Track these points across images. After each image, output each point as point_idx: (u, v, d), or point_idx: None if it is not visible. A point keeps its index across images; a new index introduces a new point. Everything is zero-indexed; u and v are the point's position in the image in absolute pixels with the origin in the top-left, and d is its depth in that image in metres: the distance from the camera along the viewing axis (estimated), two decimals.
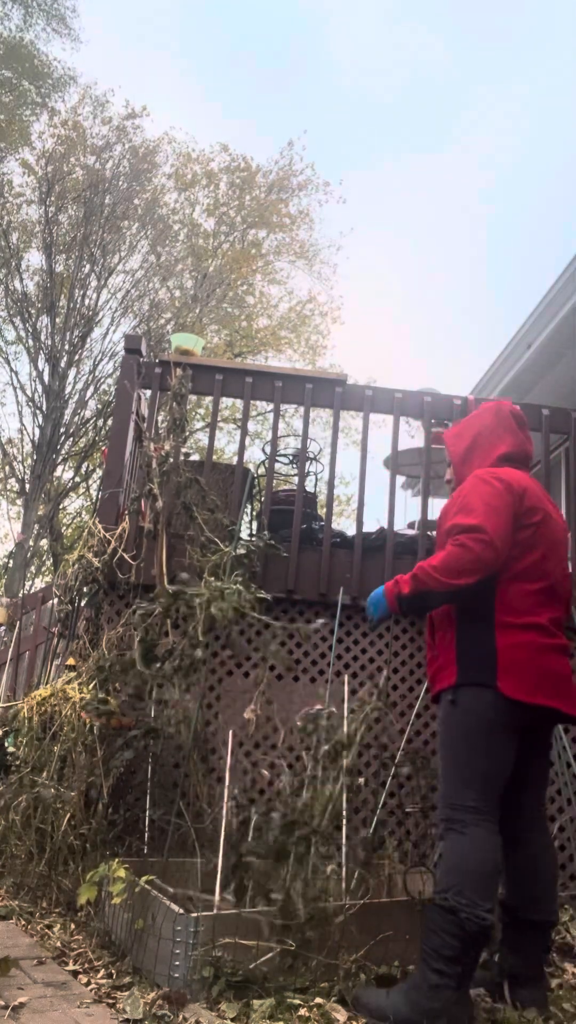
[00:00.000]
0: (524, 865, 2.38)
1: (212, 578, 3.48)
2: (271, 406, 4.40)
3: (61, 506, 17.16)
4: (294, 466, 5.50)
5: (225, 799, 2.83)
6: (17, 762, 3.43)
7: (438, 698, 2.43)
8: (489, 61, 41.16)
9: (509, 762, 2.29)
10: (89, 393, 15.85)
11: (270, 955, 2.29)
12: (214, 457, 4.39)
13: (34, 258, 16.16)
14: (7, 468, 16.58)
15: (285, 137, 29.48)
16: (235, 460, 4.92)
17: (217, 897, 2.54)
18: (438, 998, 2.06)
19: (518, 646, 2.29)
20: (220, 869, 2.62)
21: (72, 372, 15.58)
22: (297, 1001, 2.17)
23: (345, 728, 2.97)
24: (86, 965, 2.45)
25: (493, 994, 2.35)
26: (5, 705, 4.51)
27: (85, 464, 16.74)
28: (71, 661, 3.71)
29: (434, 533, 4.61)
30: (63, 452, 15.89)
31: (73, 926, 2.75)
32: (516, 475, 2.47)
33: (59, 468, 16.54)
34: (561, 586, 2.46)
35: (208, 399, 7.25)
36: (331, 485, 4.25)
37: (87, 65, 31.66)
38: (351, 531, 4.26)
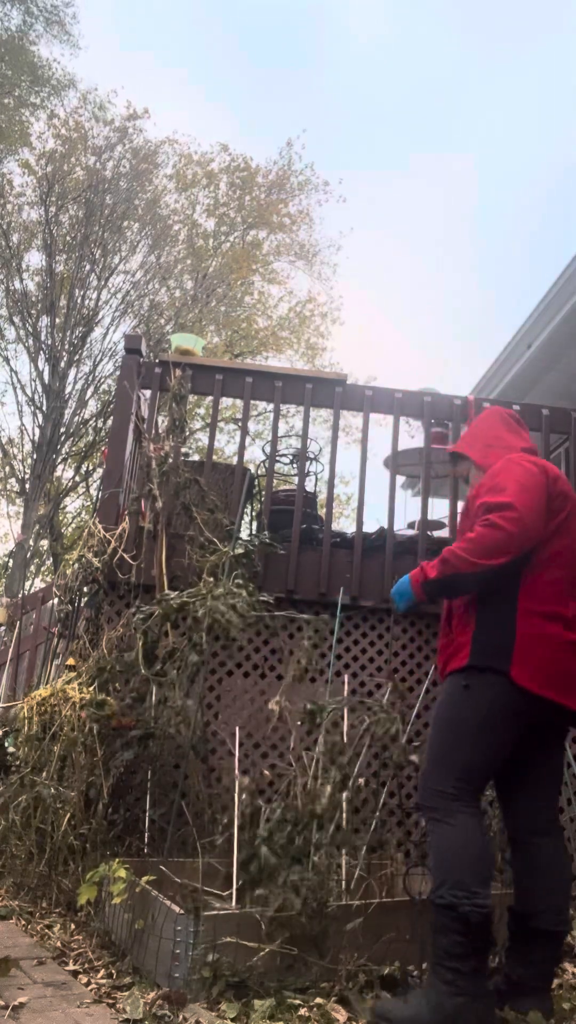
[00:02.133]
0: (538, 871, 2.29)
1: (211, 579, 3.48)
2: (271, 406, 4.40)
3: (61, 506, 17.17)
4: (294, 466, 5.50)
5: (236, 804, 2.84)
6: (17, 762, 3.42)
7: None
8: (489, 59, 41.17)
9: (505, 754, 2.23)
10: (89, 393, 15.86)
11: (269, 953, 2.29)
12: (214, 457, 4.39)
13: (34, 258, 16.18)
14: (7, 468, 16.58)
15: (285, 136, 29.49)
16: (235, 460, 4.93)
17: (234, 900, 2.54)
18: (459, 995, 2.02)
19: (539, 638, 2.22)
20: (236, 871, 2.62)
21: (72, 372, 15.58)
22: (297, 1001, 2.17)
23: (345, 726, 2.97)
24: (86, 965, 2.45)
25: (498, 1003, 2.23)
26: (5, 705, 4.52)
27: (85, 464, 16.75)
28: (71, 661, 3.71)
29: (434, 533, 4.62)
30: (63, 452, 15.89)
31: (73, 926, 2.75)
32: (546, 463, 2.44)
33: (59, 468, 16.55)
34: None
35: (208, 399, 7.25)
36: (331, 485, 4.25)
37: (87, 66, 31.69)
38: (351, 531, 4.26)
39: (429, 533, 4.25)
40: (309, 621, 3.69)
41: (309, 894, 2.38)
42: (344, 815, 2.79)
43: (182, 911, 2.27)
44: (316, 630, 3.74)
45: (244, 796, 2.80)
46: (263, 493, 4.31)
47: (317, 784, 2.85)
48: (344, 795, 2.82)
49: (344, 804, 2.82)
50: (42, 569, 17.52)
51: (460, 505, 4.53)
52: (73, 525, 18.03)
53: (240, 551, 3.69)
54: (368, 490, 4.26)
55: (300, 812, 2.67)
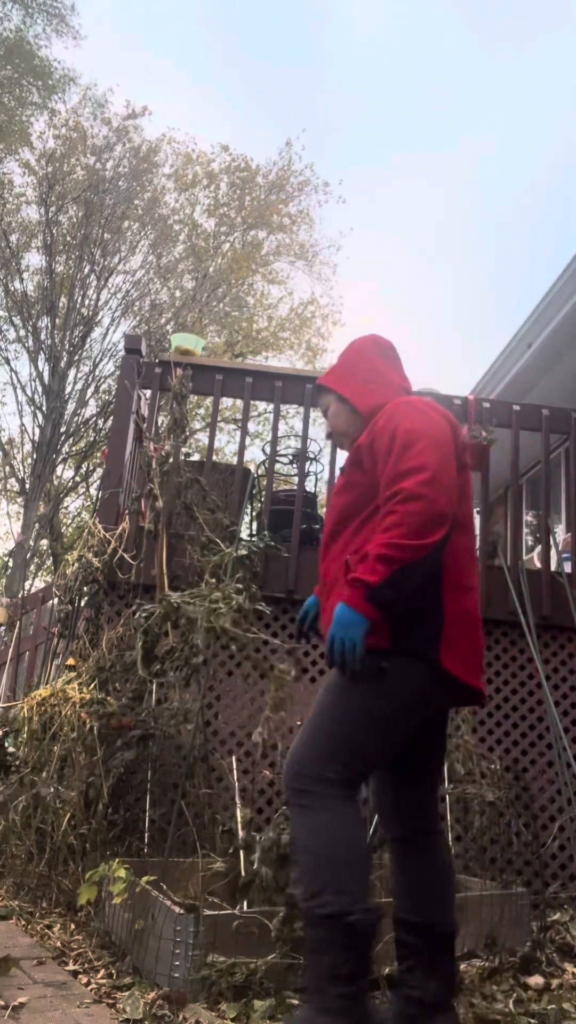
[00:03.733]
0: (433, 870, 1.99)
1: (213, 580, 3.48)
2: (271, 406, 4.40)
3: (61, 506, 17.18)
4: (294, 466, 5.50)
5: (239, 815, 2.84)
6: (17, 762, 3.43)
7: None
8: (490, 58, 41.18)
9: (403, 746, 1.93)
10: (89, 393, 15.88)
11: (272, 957, 2.29)
12: (214, 457, 4.39)
13: (34, 258, 16.20)
14: (7, 468, 16.59)
15: (284, 134, 29.56)
16: (235, 460, 4.93)
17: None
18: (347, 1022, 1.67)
19: (463, 614, 1.94)
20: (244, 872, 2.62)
21: (72, 372, 15.60)
22: (296, 1001, 2.17)
23: None
24: (86, 965, 2.45)
25: None
26: (5, 705, 4.52)
27: (85, 464, 16.76)
28: (71, 661, 3.72)
29: None
30: (63, 452, 15.90)
31: (73, 926, 2.75)
32: (441, 407, 2.06)
33: (59, 468, 16.57)
34: None
35: (208, 399, 7.24)
36: (331, 485, 4.25)
37: (87, 64, 31.72)
38: None
39: None
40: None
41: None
42: None
43: (182, 911, 2.27)
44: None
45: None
46: (263, 493, 4.31)
47: None
48: None
49: None
50: (42, 569, 17.52)
51: None
52: (73, 525, 18.04)
53: (243, 552, 3.70)
54: None
55: None
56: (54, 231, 15.44)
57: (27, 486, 15.30)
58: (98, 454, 15.16)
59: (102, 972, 2.39)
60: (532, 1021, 2.17)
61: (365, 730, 1.84)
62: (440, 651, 1.87)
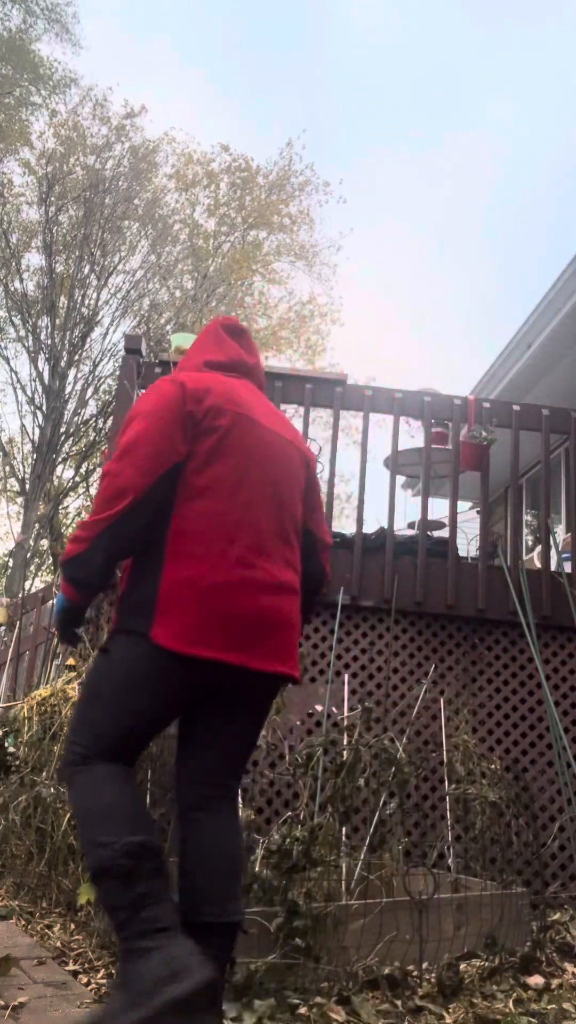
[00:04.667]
0: (194, 850, 1.86)
1: None
2: None
3: (61, 506, 17.18)
4: None
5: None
6: (17, 762, 3.43)
7: None
8: (495, 53, 41.17)
9: (156, 726, 1.90)
10: (89, 393, 15.89)
11: (272, 957, 2.29)
12: None
13: (34, 258, 16.22)
14: (7, 468, 16.61)
15: (288, 130, 29.58)
16: None
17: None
18: (157, 948, 1.58)
19: (189, 582, 1.80)
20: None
21: (72, 372, 15.64)
22: (296, 1001, 2.17)
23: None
24: (86, 965, 2.45)
25: None
26: (5, 705, 4.52)
27: (85, 464, 16.77)
28: (71, 661, 3.71)
29: (434, 533, 4.62)
30: (63, 452, 15.91)
31: (73, 926, 2.75)
32: (203, 376, 1.99)
33: (59, 468, 16.58)
34: (277, 512, 1.96)
35: None
36: (331, 485, 4.25)
37: (88, 62, 31.75)
38: (351, 531, 4.26)
39: (429, 533, 4.25)
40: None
41: (308, 912, 2.37)
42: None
43: None
44: (316, 629, 3.73)
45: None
46: None
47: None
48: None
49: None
50: (42, 569, 17.53)
51: (460, 505, 4.54)
52: (73, 525, 18.04)
53: None
54: (368, 490, 4.27)
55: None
56: (54, 231, 15.46)
57: (27, 486, 15.31)
58: (98, 454, 15.18)
59: (102, 972, 2.39)
60: (532, 1021, 2.17)
61: (98, 707, 1.86)
62: (153, 626, 1.78)
